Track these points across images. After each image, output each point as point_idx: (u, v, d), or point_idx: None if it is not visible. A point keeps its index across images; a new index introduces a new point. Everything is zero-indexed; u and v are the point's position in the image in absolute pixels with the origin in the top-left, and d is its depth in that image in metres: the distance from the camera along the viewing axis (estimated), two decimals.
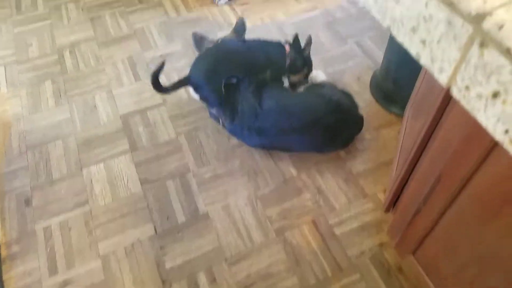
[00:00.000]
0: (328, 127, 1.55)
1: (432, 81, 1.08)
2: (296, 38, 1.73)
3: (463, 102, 0.40)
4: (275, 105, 1.56)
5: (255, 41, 1.80)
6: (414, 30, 0.43)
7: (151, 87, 1.58)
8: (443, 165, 0.87)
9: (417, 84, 1.36)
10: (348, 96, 1.68)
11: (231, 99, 1.62)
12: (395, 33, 0.46)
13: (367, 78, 1.89)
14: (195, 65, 1.68)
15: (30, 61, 2.04)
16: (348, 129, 1.63)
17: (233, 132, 1.67)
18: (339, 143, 1.64)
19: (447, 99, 0.88)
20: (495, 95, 0.37)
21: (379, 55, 1.99)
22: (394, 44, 1.59)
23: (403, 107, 1.69)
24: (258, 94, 1.59)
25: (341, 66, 1.96)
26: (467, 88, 0.39)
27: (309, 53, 1.78)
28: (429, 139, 1.01)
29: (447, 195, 0.89)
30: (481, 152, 0.73)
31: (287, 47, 1.74)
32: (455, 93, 0.40)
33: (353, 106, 1.66)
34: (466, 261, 0.92)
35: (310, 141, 1.59)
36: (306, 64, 1.77)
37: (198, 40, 1.93)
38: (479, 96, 0.38)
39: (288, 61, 1.73)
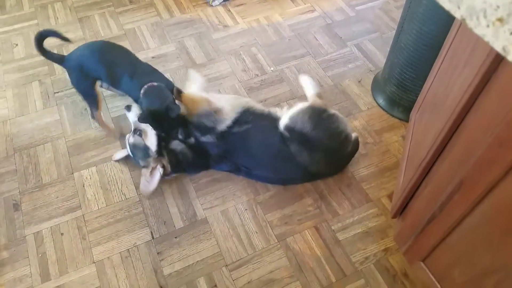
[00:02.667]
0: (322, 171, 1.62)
1: (450, 83, 1.11)
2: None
3: None
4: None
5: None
6: (502, 21, 0.39)
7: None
8: (465, 171, 0.87)
9: (426, 86, 1.41)
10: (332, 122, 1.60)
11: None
12: (472, 25, 0.43)
13: (368, 82, 1.96)
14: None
15: (16, 62, 2.07)
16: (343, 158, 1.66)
17: None
18: (339, 168, 1.67)
19: (472, 100, 0.88)
20: None
21: (380, 58, 2.06)
22: (399, 47, 1.66)
23: (406, 111, 1.75)
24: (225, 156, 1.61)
25: (341, 68, 2.03)
26: None
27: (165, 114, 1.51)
28: (446, 144, 1.02)
29: (468, 203, 0.88)
30: None
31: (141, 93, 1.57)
32: None
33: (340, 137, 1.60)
34: (486, 269, 0.91)
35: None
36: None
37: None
38: None
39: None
